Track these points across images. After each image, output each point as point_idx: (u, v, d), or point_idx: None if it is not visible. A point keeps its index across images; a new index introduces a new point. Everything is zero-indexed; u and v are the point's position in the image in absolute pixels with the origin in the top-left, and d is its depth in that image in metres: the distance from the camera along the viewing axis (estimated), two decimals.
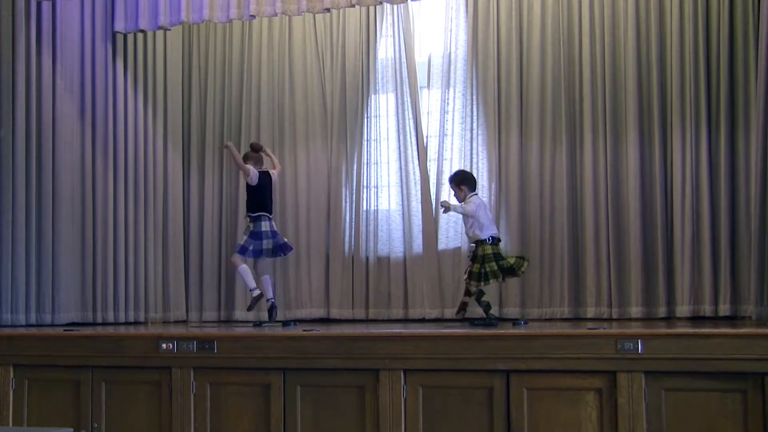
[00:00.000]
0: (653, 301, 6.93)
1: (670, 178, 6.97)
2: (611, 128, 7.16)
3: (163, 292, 7.98)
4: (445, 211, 6.53)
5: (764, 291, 5.59)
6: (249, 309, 6.86)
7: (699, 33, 6.84)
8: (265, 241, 6.62)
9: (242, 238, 6.72)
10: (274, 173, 6.95)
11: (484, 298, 6.25)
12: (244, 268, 6.71)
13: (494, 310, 7.00)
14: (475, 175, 7.44)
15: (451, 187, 6.47)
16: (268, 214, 6.70)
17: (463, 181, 6.38)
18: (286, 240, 6.84)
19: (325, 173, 8.00)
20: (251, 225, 6.67)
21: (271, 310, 6.73)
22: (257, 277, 6.83)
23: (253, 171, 6.69)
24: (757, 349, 4.52)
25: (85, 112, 7.28)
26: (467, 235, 6.36)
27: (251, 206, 6.72)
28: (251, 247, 6.62)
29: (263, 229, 6.63)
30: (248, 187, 6.74)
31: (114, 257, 7.44)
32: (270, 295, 6.75)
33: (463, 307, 6.35)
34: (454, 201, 6.47)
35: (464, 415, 4.95)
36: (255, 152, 6.85)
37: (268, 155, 7.07)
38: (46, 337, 5.97)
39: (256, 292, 6.67)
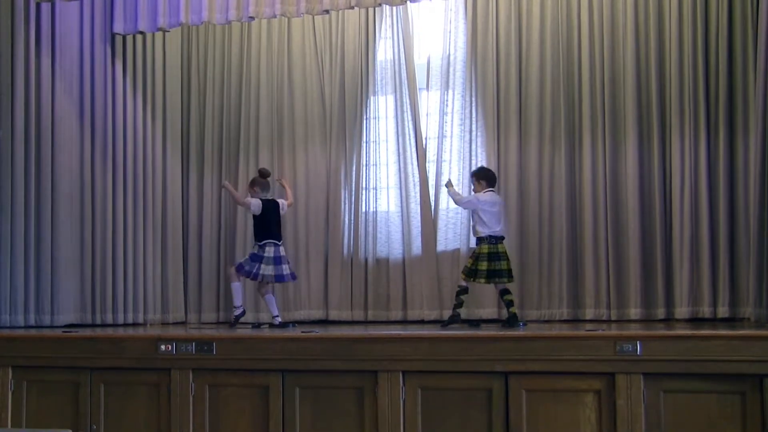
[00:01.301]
0: (652, 303, 6.93)
1: (669, 179, 6.97)
2: (610, 130, 7.16)
3: (162, 293, 7.98)
4: (446, 185, 6.63)
5: (763, 292, 5.59)
6: (231, 326, 6.87)
7: (698, 36, 6.85)
8: (263, 266, 6.64)
9: (244, 258, 6.81)
10: (284, 203, 7.02)
11: (507, 297, 6.26)
12: (237, 286, 6.79)
13: (493, 312, 7.04)
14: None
15: (472, 180, 6.55)
16: (275, 241, 6.72)
17: (483, 177, 6.46)
18: (289, 271, 6.79)
19: (325, 175, 8.00)
20: (256, 248, 6.73)
21: (276, 326, 6.71)
22: (261, 296, 6.94)
23: (254, 202, 6.74)
24: (756, 351, 4.53)
25: (84, 113, 7.27)
26: (473, 228, 6.45)
27: (257, 234, 6.78)
28: (247, 268, 6.67)
29: (266, 254, 6.66)
30: (253, 215, 6.79)
31: (113, 259, 7.43)
32: (275, 312, 6.78)
33: (459, 304, 6.37)
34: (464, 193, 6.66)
35: (463, 416, 4.95)
36: (263, 177, 6.92)
37: (284, 186, 7.25)
38: (45, 338, 5.97)
39: (239, 311, 6.77)
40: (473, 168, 7.10)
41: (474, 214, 6.36)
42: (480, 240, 6.29)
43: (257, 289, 7.03)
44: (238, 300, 6.80)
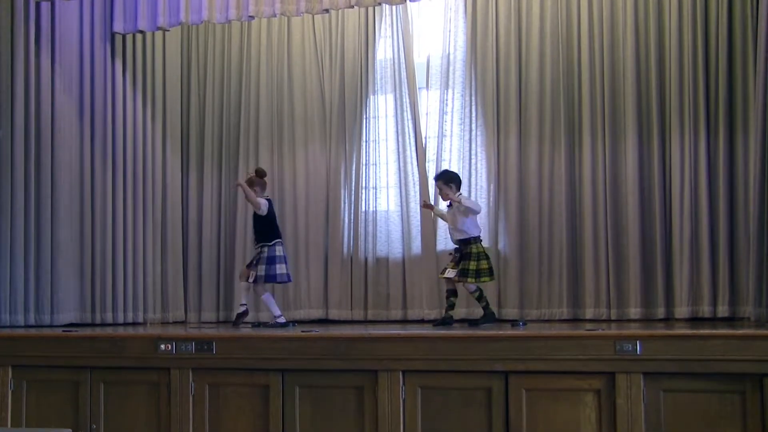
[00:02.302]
0: (652, 302, 6.93)
1: (668, 179, 6.97)
2: (610, 129, 7.16)
3: (161, 292, 7.98)
4: (424, 206, 6.79)
5: (762, 292, 5.60)
6: (293, 326, 6.77)
7: (698, 34, 6.85)
8: (278, 266, 6.64)
9: (260, 268, 6.66)
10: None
11: (453, 299, 6.38)
12: (268, 296, 6.77)
13: (494, 310, 7.05)
14: (473, 177, 7.52)
15: (440, 185, 6.50)
16: (281, 240, 6.79)
17: (452, 179, 6.47)
18: (288, 271, 6.83)
19: (324, 174, 8.00)
20: (266, 250, 6.67)
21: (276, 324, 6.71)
22: (256, 297, 6.91)
23: (263, 202, 6.73)
24: (756, 350, 4.54)
25: (83, 112, 7.27)
26: (459, 231, 6.34)
27: (267, 235, 6.72)
28: (275, 272, 6.62)
29: (277, 254, 6.67)
30: (257, 216, 6.77)
31: (113, 258, 7.43)
32: (278, 312, 6.76)
33: (452, 306, 6.40)
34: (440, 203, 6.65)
35: (463, 416, 4.96)
36: (260, 177, 6.87)
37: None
38: (45, 337, 5.97)
39: (282, 319, 6.70)
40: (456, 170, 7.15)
41: (461, 216, 6.33)
42: (474, 240, 6.30)
43: (253, 291, 6.91)
44: (276, 309, 6.73)
